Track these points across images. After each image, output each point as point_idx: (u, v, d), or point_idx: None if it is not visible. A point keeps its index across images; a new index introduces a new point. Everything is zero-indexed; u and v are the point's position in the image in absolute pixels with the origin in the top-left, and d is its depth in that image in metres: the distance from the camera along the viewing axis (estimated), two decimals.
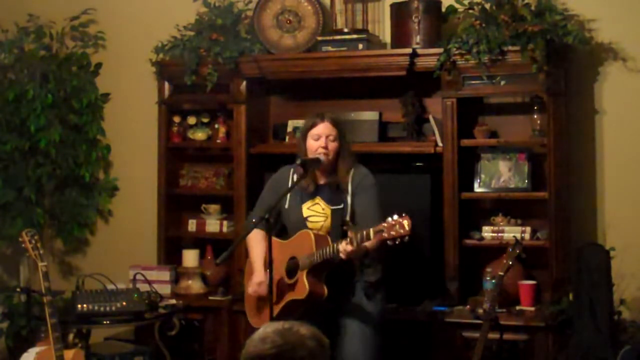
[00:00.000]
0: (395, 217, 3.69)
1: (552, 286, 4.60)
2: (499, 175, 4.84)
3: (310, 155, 4.08)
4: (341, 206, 4.08)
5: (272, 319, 3.92)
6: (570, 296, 4.49)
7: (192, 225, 5.44)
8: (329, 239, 4.00)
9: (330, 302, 4.03)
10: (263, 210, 4.08)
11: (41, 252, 4.25)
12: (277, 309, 4.04)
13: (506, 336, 4.28)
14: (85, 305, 4.55)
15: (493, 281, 4.27)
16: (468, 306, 4.62)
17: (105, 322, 4.66)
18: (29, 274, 5.86)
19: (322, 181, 4.15)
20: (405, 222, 3.67)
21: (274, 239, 4.12)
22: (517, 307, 4.63)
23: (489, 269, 4.55)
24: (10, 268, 5.94)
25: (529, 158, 4.80)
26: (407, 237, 3.69)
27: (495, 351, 4.26)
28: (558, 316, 4.48)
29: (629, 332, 4.50)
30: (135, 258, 5.33)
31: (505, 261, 4.18)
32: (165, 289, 5.14)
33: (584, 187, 4.85)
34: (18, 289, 5.50)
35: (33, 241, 4.24)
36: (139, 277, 5.00)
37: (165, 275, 5.24)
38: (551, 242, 4.61)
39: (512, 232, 4.72)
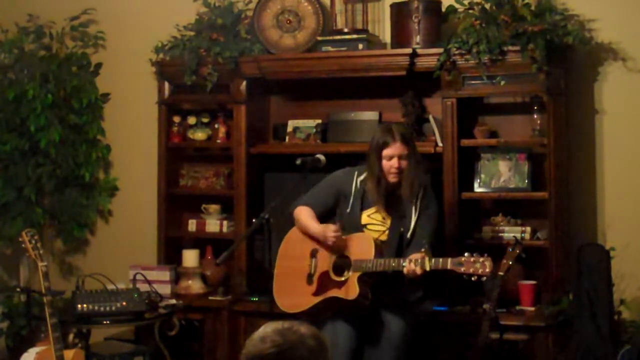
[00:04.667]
0: (476, 254, 3.84)
1: (552, 286, 4.60)
2: (499, 175, 4.84)
3: (387, 175, 4.08)
4: (402, 221, 4.10)
5: (309, 309, 4.06)
6: (570, 296, 4.49)
7: (192, 225, 5.44)
8: (384, 249, 4.05)
9: (376, 306, 4.07)
10: (316, 207, 4.21)
11: (41, 252, 4.25)
12: (316, 301, 4.10)
13: (506, 336, 4.29)
14: (85, 305, 4.55)
15: (493, 281, 4.26)
16: (468, 306, 4.62)
17: (105, 322, 4.66)
18: (29, 274, 5.86)
19: (374, 197, 4.13)
20: (487, 263, 3.83)
21: None
22: (517, 307, 4.64)
23: None
24: (10, 268, 5.94)
25: (529, 158, 4.80)
26: (484, 278, 3.84)
27: (495, 351, 4.26)
28: (558, 316, 4.49)
29: (629, 332, 4.50)
30: (135, 258, 5.33)
31: (505, 261, 4.18)
32: (165, 289, 5.13)
33: (584, 187, 4.86)
34: (18, 289, 5.50)
35: (33, 241, 4.24)
36: (139, 277, 4.99)
37: (165, 275, 5.24)
38: (551, 242, 4.61)
39: (512, 232, 4.73)
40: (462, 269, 3.84)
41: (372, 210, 4.17)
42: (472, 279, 3.86)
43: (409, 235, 4.10)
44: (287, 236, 4.31)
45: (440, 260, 3.88)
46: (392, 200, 4.14)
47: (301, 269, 4.17)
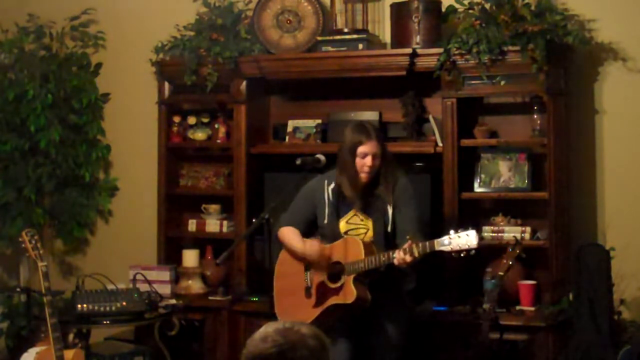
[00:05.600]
0: (461, 229, 3.82)
1: (552, 286, 4.60)
2: (499, 175, 4.84)
3: (359, 173, 4.08)
4: (382, 217, 4.10)
5: (313, 322, 3.99)
6: (570, 296, 4.49)
7: (192, 225, 5.44)
8: (374, 247, 4.04)
9: (371, 308, 4.06)
10: (298, 223, 4.20)
11: (41, 252, 4.25)
12: (317, 312, 4.09)
13: (506, 336, 4.29)
14: (85, 305, 4.55)
15: (493, 281, 4.26)
16: (468, 306, 4.62)
17: (105, 322, 4.66)
18: (29, 274, 5.85)
19: (349, 195, 4.13)
20: (472, 236, 3.80)
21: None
22: (517, 307, 4.64)
23: (489, 269, 4.55)
24: (10, 268, 5.94)
25: (529, 158, 4.80)
26: (473, 251, 3.80)
27: (495, 351, 4.26)
28: (558, 316, 4.49)
29: (629, 332, 4.50)
30: (135, 258, 5.33)
31: (505, 261, 4.18)
32: (165, 289, 5.13)
33: (584, 187, 4.86)
34: (18, 289, 5.50)
35: (33, 241, 4.24)
36: (139, 277, 4.99)
37: (165, 275, 5.24)
38: (551, 242, 4.61)
39: (512, 232, 4.72)
40: (450, 247, 3.83)
41: (349, 215, 4.16)
42: (462, 255, 3.83)
43: (389, 229, 4.10)
44: (279, 257, 4.31)
45: (427, 243, 3.86)
46: (367, 200, 4.13)
47: (298, 284, 4.17)
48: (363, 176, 4.09)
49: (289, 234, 4.22)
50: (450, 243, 3.82)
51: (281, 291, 4.25)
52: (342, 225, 4.15)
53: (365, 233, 4.13)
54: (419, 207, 4.21)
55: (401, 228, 4.08)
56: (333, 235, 4.13)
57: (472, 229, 3.84)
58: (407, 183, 4.18)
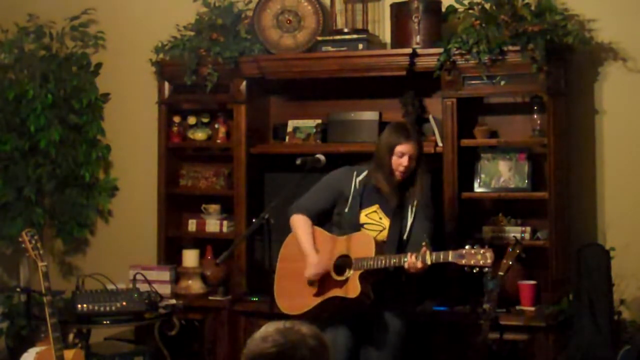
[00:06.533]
0: (477, 246, 3.84)
1: (552, 286, 4.60)
2: (499, 175, 4.84)
3: (394, 171, 4.08)
4: (400, 222, 4.11)
5: (311, 310, 4.05)
6: (570, 296, 4.49)
7: (192, 225, 5.44)
8: (384, 249, 4.04)
9: (371, 308, 4.06)
10: (314, 211, 4.20)
11: (41, 252, 4.25)
12: (317, 301, 4.09)
13: (506, 336, 4.29)
14: (85, 305, 4.55)
15: (493, 281, 4.27)
16: (468, 306, 4.62)
17: (105, 322, 4.67)
18: (29, 274, 5.86)
19: (386, 190, 4.13)
20: (489, 254, 3.82)
21: (321, 230, 4.20)
22: (517, 307, 4.64)
23: (489, 269, 4.55)
24: (10, 268, 5.94)
25: (529, 158, 4.81)
26: (486, 269, 3.84)
27: (495, 351, 4.26)
28: (558, 316, 4.49)
29: (629, 332, 4.51)
30: (135, 258, 5.33)
31: (505, 261, 4.18)
32: (165, 289, 5.13)
33: (584, 187, 4.86)
34: (18, 289, 5.50)
35: (33, 241, 4.24)
36: (139, 277, 4.99)
37: (165, 275, 5.24)
38: (551, 242, 4.61)
39: (512, 232, 4.72)
40: (464, 261, 3.83)
41: (369, 210, 4.17)
42: (474, 271, 3.85)
43: (405, 236, 4.11)
44: (286, 240, 4.30)
45: (442, 253, 3.87)
46: (387, 201, 4.13)
47: (302, 270, 4.15)
48: (397, 174, 4.09)
49: (303, 228, 4.19)
50: (465, 257, 3.84)
51: (283, 273, 4.24)
52: (362, 218, 4.15)
53: (380, 232, 4.13)
54: (434, 221, 4.22)
55: (414, 240, 4.08)
56: (351, 225, 4.13)
57: (490, 247, 3.86)
58: (430, 200, 4.19)
